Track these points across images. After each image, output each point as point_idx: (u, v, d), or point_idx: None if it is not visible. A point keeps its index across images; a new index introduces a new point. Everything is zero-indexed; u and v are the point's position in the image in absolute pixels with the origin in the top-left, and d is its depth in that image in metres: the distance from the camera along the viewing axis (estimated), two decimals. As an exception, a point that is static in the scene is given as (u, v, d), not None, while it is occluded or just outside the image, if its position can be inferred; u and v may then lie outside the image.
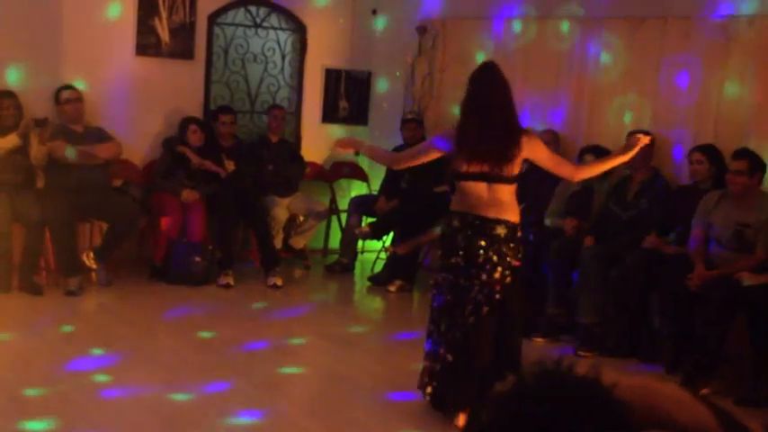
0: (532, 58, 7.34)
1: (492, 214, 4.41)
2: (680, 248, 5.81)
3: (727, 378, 5.32)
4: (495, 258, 4.39)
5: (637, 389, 1.21)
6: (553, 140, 6.83)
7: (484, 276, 4.40)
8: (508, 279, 4.43)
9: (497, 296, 4.41)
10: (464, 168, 4.42)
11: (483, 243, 4.38)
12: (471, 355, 4.42)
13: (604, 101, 6.93)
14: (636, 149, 4.72)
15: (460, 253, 4.42)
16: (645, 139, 4.76)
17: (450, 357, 4.45)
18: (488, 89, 4.42)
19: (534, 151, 4.49)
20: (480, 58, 7.46)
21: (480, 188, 4.42)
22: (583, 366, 1.17)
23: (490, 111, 4.40)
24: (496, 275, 4.40)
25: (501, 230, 4.41)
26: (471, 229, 4.40)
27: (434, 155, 4.60)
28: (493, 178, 4.40)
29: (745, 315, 5.31)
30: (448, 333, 4.46)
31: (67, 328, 5.92)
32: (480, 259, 4.39)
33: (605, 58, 6.94)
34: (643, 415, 1.21)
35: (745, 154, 5.56)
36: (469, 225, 4.41)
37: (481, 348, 4.43)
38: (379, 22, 8.70)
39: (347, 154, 8.21)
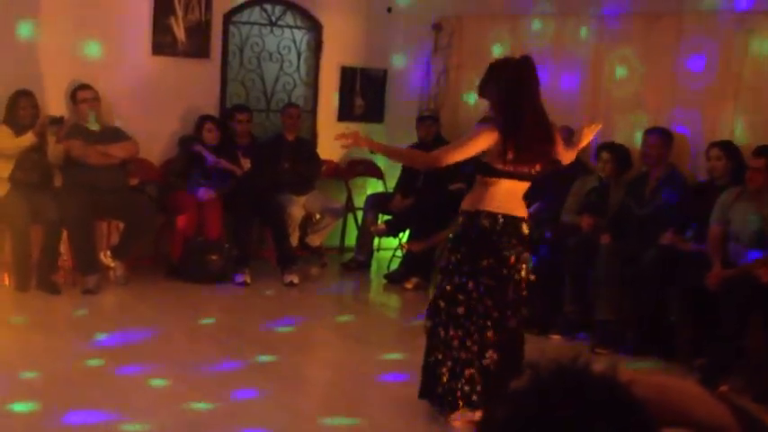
0: (548, 55, 7.31)
1: (519, 212, 4.34)
2: (697, 245, 5.78)
3: (747, 375, 5.29)
4: (523, 256, 4.36)
5: (654, 386, 1.20)
6: (569, 138, 6.80)
7: (516, 276, 4.34)
8: (531, 277, 4.42)
9: (524, 293, 4.40)
10: (502, 165, 4.23)
11: (514, 242, 4.31)
12: (516, 356, 4.38)
13: (621, 98, 6.90)
14: (590, 136, 4.67)
15: (493, 255, 4.28)
16: (593, 129, 4.67)
17: (494, 358, 4.34)
18: (536, 83, 4.25)
19: (560, 145, 4.47)
20: (496, 55, 7.45)
21: (516, 186, 4.31)
22: (599, 364, 1.17)
23: (540, 107, 4.26)
24: (524, 273, 4.37)
25: (525, 229, 4.38)
26: (503, 230, 4.28)
27: (484, 146, 4.22)
28: (528, 177, 4.32)
29: (763, 312, 5.28)
30: (486, 335, 4.32)
31: (85, 327, 5.95)
32: (513, 260, 4.31)
33: (622, 55, 6.91)
34: (660, 412, 1.20)
35: (766, 152, 5.51)
36: (500, 225, 4.28)
37: (521, 348, 4.43)
38: (395, 20, 8.69)
39: (364, 152, 8.24)
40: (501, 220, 4.28)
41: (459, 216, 4.42)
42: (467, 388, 4.39)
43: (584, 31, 7.21)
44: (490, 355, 4.35)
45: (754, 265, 5.32)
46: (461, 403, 4.41)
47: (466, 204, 4.39)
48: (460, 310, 4.34)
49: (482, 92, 4.39)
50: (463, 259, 4.33)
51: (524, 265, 4.37)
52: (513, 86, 4.24)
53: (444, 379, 4.43)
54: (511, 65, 4.34)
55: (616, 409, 1.09)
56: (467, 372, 4.38)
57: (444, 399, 4.47)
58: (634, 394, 1.12)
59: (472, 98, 8.09)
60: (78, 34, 7.25)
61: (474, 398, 4.40)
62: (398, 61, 8.79)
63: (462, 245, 4.35)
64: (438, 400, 4.51)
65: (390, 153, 4.96)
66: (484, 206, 4.29)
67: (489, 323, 4.33)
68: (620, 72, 6.91)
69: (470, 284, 4.31)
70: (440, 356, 4.42)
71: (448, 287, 4.36)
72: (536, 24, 7.63)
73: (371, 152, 6.38)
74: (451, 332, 4.37)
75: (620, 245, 6.09)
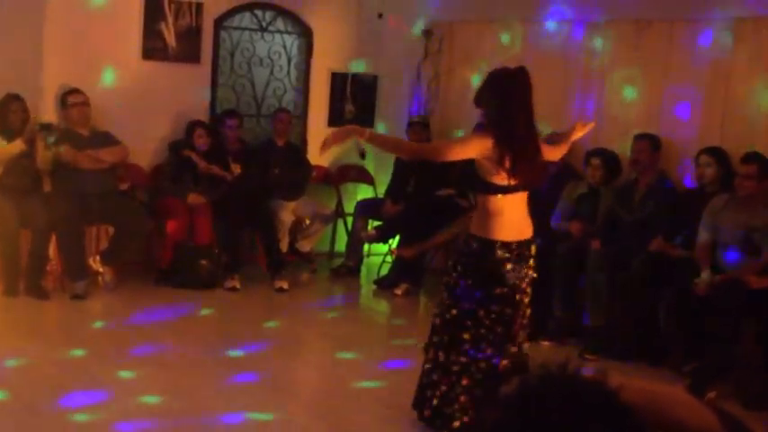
0: (539, 61, 7.32)
1: (527, 234, 4.28)
2: (686, 252, 5.80)
3: (739, 380, 5.30)
4: (532, 278, 4.32)
5: (642, 392, 1.21)
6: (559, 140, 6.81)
7: (526, 300, 4.31)
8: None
9: (528, 311, 4.37)
10: (500, 179, 4.16)
11: (526, 269, 4.25)
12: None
13: (611, 104, 6.92)
14: (582, 131, 4.62)
15: (507, 283, 4.21)
16: (584, 126, 4.62)
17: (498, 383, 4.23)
18: (528, 95, 4.20)
19: (544, 150, 4.43)
20: (486, 61, 7.47)
21: (520, 202, 4.25)
22: (589, 370, 1.17)
23: (532, 120, 4.21)
24: (529, 292, 4.34)
25: (534, 249, 4.34)
26: (517, 258, 4.21)
27: (477, 150, 4.14)
28: (525, 187, 4.27)
29: (752, 318, 5.29)
30: (493, 364, 4.24)
31: (73, 332, 5.92)
32: (524, 284, 4.27)
33: (612, 61, 6.93)
34: (649, 418, 1.21)
35: (754, 158, 5.53)
36: (515, 254, 4.21)
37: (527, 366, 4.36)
38: (385, 26, 8.70)
39: (354, 158, 8.23)
40: (515, 248, 4.22)
41: (469, 239, 4.29)
42: (458, 414, 4.30)
43: (574, 36, 7.22)
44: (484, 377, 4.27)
45: (742, 271, 5.33)
46: (457, 425, 4.31)
47: (477, 229, 4.27)
48: (466, 335, 4.24)
49: (478, 101, 4.37)
50: (475, 285, 4.24)
51: (530, 288, 4.33)
52: (505, 97, 4.20)
53: (435, 402, 4.34)
54: (505, 75, 4.28)
55: (611, 413, 1.09)
56: (462, 398, 4.28)
57: (434, 421, 4.39)
58: (624, 400, 1.12)
59: (463, 107, 8.11)
60: (68, 38, 7.23)
61: (456, 424, 4.32)
62: (389, 67, 8.79)
63: (475, 272, 4.24)
64: (427, 420, 4.42)
65: (380, 142, 4.75)
66: (499, 236, 4.20)
67: (499, 351, 4.25)
68: (611, 77, 6.93)
69: (481, 312, 4.22)
70: (435, 378, 4.34)
71: (454, 311, 4.25)
72: (526, 31, 7.64)
73: (362, 156, 6.34)
74: (453, 357, 4.27)
75: (610, 251, 6.10)
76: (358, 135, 4.36)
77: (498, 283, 4.22)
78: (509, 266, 4.21)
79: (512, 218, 4.23)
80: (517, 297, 4.26)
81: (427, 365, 4.39)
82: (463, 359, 4.26)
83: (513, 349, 4.31)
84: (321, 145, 4.40)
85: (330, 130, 8.18)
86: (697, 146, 6.18)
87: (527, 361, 4.39)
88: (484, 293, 4.23)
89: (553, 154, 4.59)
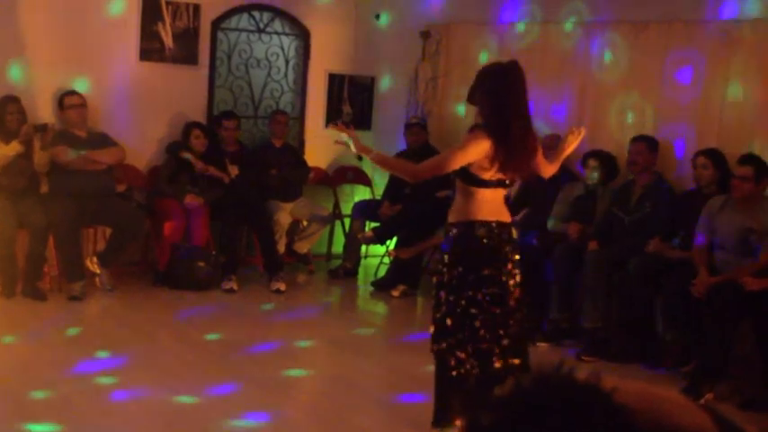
0: (536, 62, 7.33)
1: (507, 218, 4.31)
2: (683, 253, 5.80)
3: (737, 379, 5.31)
4: (517, 261, 4.32)
5: (636, 394, 1.21)
6: (557, 145, 6.81)
7: (512, 282, 4.28)
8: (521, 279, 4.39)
9: (520, 296, 4.35)
10: (489, 175, 4.17)
11: (509, 249, 4.26)
12: (523, 362, 4.32)
13: (608, 105, 6.92)
14: (575, 143, 4.60)
15: (492, 263, 4.21)
16: (576, 135, 4.59)
17: (515, 363, 4.26)
18: (522, 89, 4.17)
19: (539, 157, 4.44)
20: (484, 62, 7.47)
21: (499, 194, 4.28)
22: (583, 371, 1.17)
23: (527, 114, 4.20)
24: (518, 278, 4.32)
25: (515, 233, 4.36)
26: (498, 237, 4.22)
27: (479, 153, 4.10)
28: (505, 184, 4.29)
29: (750, 320, 5.30)
30: (503, 344, 4.24)
31: (71, 333, 5.93)
32: (509, 266, 4.27)
33: (609, 62, 6.93)
34: (644, 420, 1.21)
35: (751, 160, 5.53)
36: (495, 233, 4.22)
37: (526, 354, 4.37)
38: (383, 27, 8.70)
39: (351, 159, 8.24)
40: (495, 227, 4.23)
41: (449, 228, 4.30)
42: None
43: (571, 38, 7.23)
44: (511, 361, 4.27)
45: (739, 273, 5.34)
46: None
47: (455, 217, 4.29)
48: (477, 323, 4.23)
49: (471, 98, 4.35)
50: (466, 272, 4.23)
51: (518, 270, 4.33)
52: (498, 93, 4.17)
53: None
54: (497, 71, 4.26)
55: (605, 415, 1.09)
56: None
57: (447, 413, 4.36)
58: (618, 401, 1.12)
59: (461, 108, 8.11)
60: (65, 40, 7.23)
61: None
62: (386, 68, 8.79)
63: (462, 257, 4.24)
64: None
65: (384, 163, 4.65)
66: (477, 216, 4.21)
67: (502, 332, 4.24)
68: (608, 79, 6.93)
69: (479, 296, 4.22)
70: (476, 373, 4.27)
71: (463, 302, 4.23)
72: (523, 32, 7.64)
73: (360, 159, 6.37)
74: (480, 346, 4.26)
75: (607, 252, 6.11)
76: (365, 153, 4.38)
77: (484, 262, 4.21)
78: (490, 244, 4.20)
79: (490, 203, 4.24)
80: (503, 278, 4.24)
81: (455, 372, 4.26)
82: (485, 345, 4.23)
83: (513, 329, 4.29)
84: (334, 124, 4.51)
85: (327, 132, 8.25)
86: (694, 148, 6.19)
87: (523, 348, 4.39)
88: (475, 277, 4.22)
89: (545, 170, 4.58)
